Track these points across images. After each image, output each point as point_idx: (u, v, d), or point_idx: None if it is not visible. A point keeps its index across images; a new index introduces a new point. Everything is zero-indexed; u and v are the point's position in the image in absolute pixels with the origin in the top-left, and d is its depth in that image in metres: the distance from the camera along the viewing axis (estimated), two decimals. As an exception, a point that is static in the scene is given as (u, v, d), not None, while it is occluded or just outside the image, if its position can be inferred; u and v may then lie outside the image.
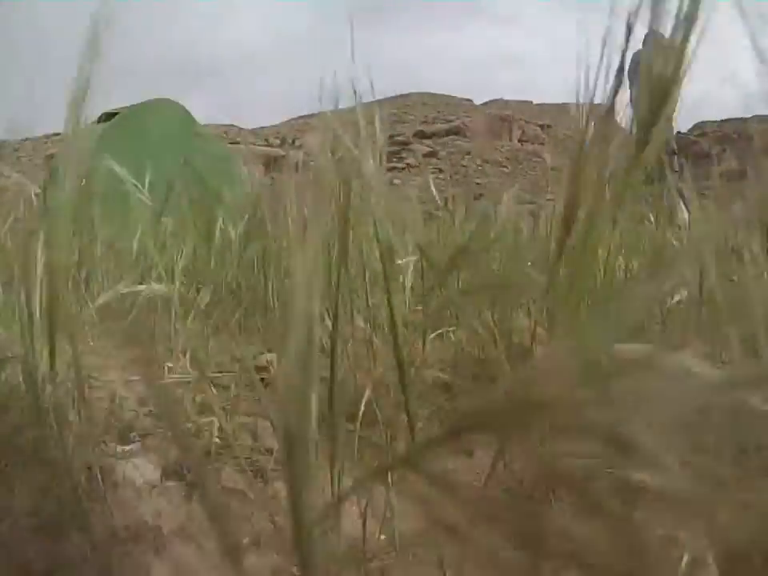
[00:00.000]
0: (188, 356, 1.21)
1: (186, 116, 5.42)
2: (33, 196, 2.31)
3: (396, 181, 46.59)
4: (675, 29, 0.52)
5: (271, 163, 60.80)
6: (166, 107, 5.41)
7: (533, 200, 15.65)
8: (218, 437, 0.84)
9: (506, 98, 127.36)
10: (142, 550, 0.69)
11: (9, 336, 0.86)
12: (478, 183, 56.66)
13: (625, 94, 0.63)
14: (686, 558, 0.36)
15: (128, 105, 5.41)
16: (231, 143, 64.36)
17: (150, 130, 4.96)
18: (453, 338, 1.19)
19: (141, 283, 1.20)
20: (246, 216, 1.83)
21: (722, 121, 60.30)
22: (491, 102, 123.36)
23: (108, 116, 5.18)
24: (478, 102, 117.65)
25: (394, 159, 76.59)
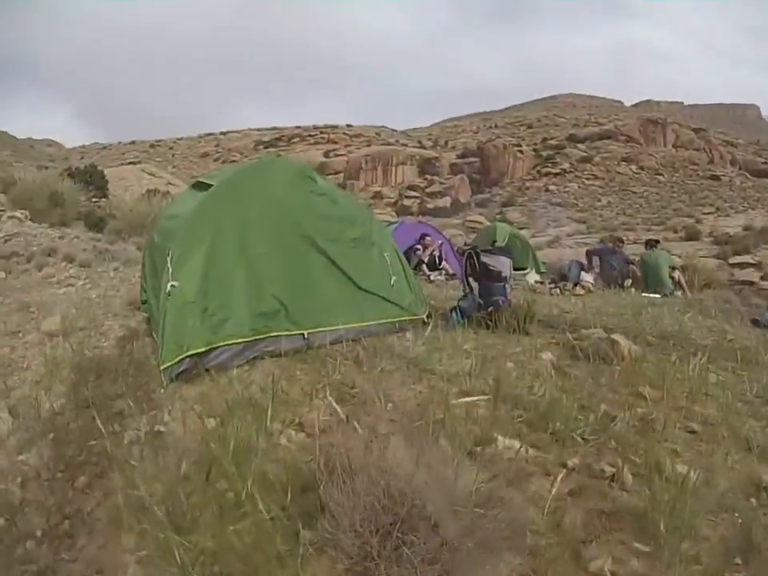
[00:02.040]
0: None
1: (299, 175, 4.46)
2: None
3: (551, 186, 54.03)
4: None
5: (424, 164, 64.47)
6: (276, 167, 4.54)
7: (691, 213, 24.12)
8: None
9: (656, 98, 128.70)
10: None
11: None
12: (634, 192, 65.37)
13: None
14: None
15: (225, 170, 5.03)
16: (384, 144, 66.89)
17: (254, 198, 4.05)
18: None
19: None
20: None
21: None
22: (641, 103, 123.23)
23: (201, 185, 4.64)
24: (627, 102, 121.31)
25: (548, 164, 75.06)
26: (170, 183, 22.68)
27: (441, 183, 73.31)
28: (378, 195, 73.58)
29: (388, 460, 2.10)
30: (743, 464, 2.42)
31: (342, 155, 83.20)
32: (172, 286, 3.40)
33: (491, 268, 4.91)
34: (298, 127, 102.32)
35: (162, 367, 3.25)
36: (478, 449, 2.38)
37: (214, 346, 3.45)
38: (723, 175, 72.56)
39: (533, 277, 9.20)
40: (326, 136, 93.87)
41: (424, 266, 10.17)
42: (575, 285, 8.25)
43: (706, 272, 17.11)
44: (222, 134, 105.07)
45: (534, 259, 12.54)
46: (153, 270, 4.46)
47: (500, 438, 2.43)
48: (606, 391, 3.16)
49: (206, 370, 3.38)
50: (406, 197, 71.23)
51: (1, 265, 8.04)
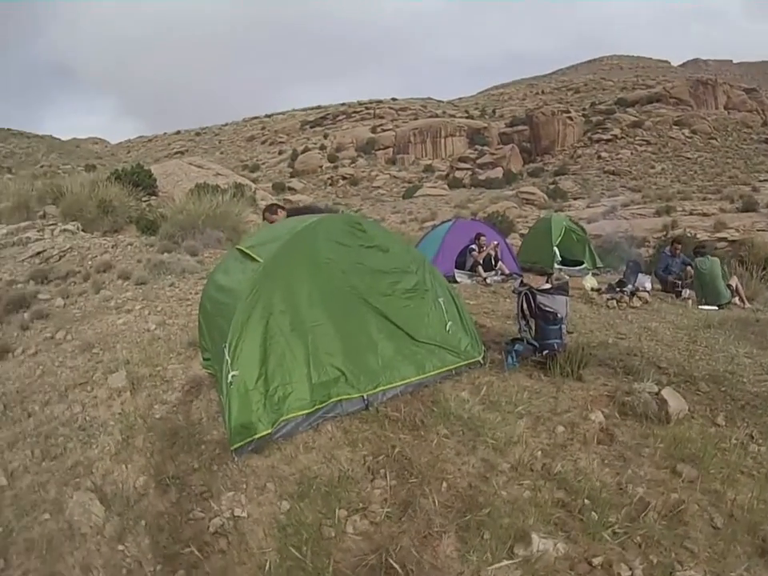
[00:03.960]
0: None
1: (347, 230, 4.48)
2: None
3: (603, 153, 53.93)
4: None
5: (474, 135, 64.55)
6: (322, 228, 4.41)
7: (747, 180, 25.01)
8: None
9: (704, 57, 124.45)
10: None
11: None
12: (688, 158, 63.61)
13: None
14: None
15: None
16: (431, 116, 68.38)
17: (304, 269, 4.13)
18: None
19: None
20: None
21: None
22: (689, 62, 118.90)
23: (245, 253, 4.61)
24: (674, 62, 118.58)
25: (599, 130, 73.36)
26: (219, 174, 22.29)
27: (491, 154, 72.59)
28: (428, 168, 73.31)
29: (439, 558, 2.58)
30: (750, 572, 2.56)
31: (389, 130, 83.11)
32: (233, 376, 3.57)
33: (547, 309, 4.93)
34: (343, 104, 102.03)
35: (231, 448, 3.50)
36: (516, 548, 2.66)
37: (279, 421, 3.68)
38: (779, 139, 68.61)
39: (590, 282, 9.13)
40: (371, 111, 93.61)
41: (479, 268, 10.37)
42: (632, 295, 8.37)
43: (764, 248, 16.98)
44: (267, 116, 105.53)
45: (590, 253, 12.72)
46: (210, 334, 4.68)
47: (535, 537, 2.67)
48: (647, 466, 3.35)
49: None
50: (458, 169, 70.90)
51: (59, 289, 8.17)
